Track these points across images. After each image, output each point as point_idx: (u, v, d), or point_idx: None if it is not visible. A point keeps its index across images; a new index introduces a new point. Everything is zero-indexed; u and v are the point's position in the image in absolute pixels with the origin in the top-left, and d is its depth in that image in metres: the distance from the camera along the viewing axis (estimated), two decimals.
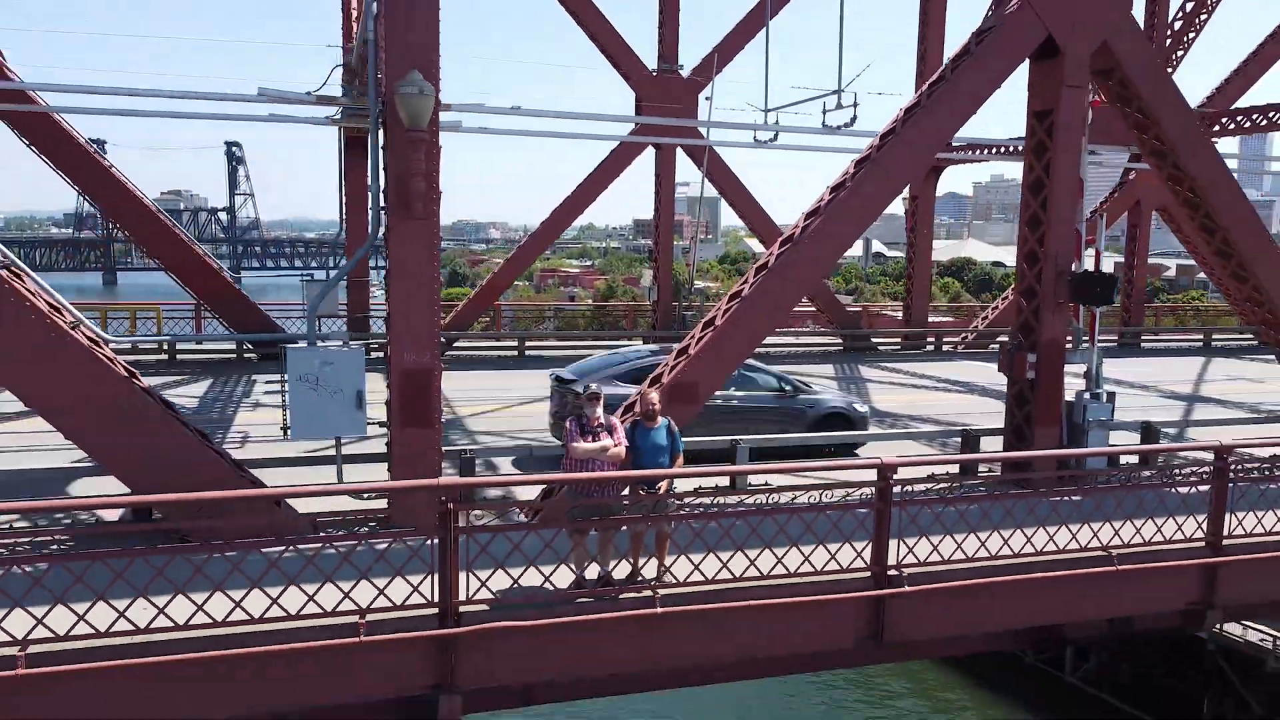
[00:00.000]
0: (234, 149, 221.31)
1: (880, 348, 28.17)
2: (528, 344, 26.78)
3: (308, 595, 7.80)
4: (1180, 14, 27.48)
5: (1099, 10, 12.16)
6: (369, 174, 10.81)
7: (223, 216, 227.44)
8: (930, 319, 29.53)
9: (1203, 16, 27.26)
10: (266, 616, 7.72)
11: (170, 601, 7.55)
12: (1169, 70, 22.41)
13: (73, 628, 7.39)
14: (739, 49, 25.57)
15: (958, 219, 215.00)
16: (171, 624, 7.57)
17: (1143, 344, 31.03)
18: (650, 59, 25.75)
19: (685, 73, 25.36)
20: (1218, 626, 17.23)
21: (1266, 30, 28.07)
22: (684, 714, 21.53)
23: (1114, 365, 27.88)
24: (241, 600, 7.62)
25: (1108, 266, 15.77)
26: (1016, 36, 12.09)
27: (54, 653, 7.40)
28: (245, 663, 7.66)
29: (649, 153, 26.38)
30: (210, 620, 7.63)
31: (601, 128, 22.77)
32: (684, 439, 9.55)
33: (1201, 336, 31.53)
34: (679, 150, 26.06)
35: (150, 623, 7.52)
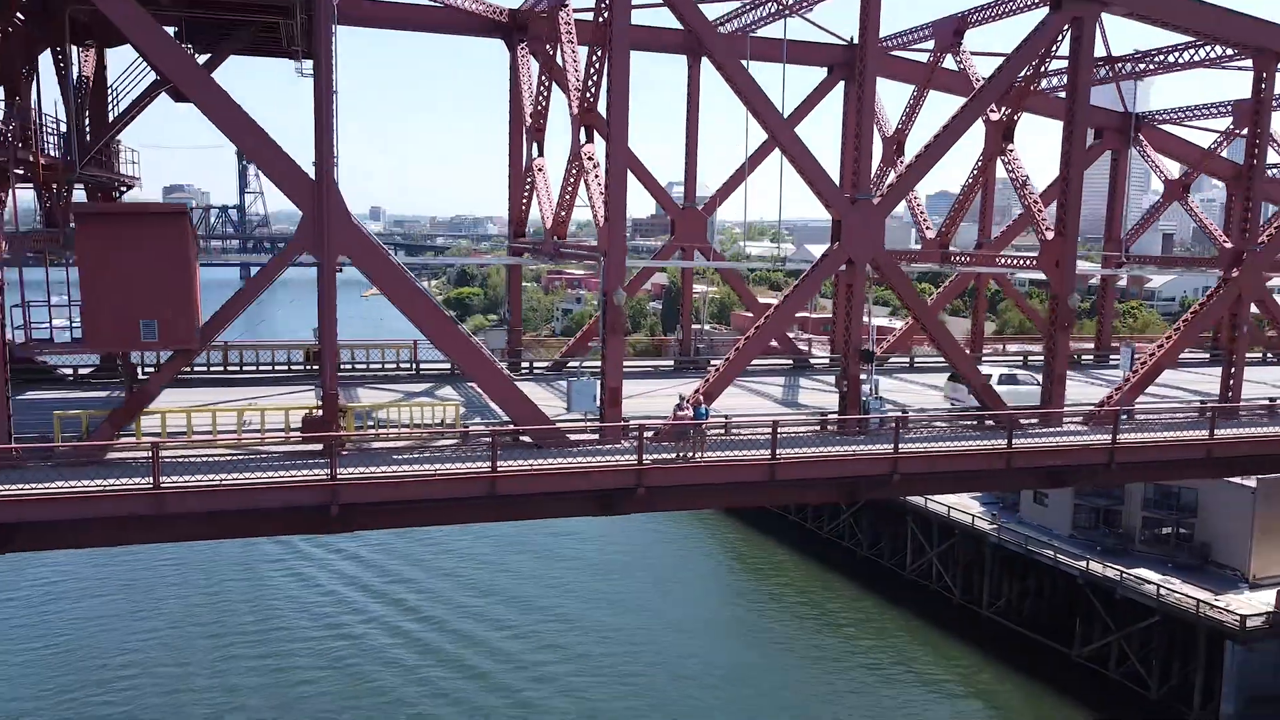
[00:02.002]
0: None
1: (815, 366, 49.18)
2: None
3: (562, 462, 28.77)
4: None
5: (870, 247, 33.05)
6: (600, 320, 31.31)
7: (233, 214, 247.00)
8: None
9: None
10: (578, 467, 28.61)
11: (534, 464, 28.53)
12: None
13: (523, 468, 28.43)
14: (732, 191, 46.46)
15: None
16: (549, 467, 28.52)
17: (983, 360, 52.17)
18: (677, 193, 46.70)
19: (699, 206, 46.25)
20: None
21: None
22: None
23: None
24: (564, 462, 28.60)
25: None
26: (836, 258, 33.04)
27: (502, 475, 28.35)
28: (583, 474, 28.57)
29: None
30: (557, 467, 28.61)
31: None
32: None
33: (1021, 357, 52.75)
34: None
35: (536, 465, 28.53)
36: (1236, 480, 63.46)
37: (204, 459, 27.10)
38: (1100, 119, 50.43)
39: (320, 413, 28.61)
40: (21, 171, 28.06)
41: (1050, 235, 35.54)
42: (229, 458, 27.70)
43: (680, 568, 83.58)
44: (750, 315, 64.90)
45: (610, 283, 30.39)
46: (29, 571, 72.70)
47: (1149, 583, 63.54)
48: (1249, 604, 61.05)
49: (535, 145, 40.42)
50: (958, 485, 38.23)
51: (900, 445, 31.35)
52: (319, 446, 28.06)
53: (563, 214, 36.65)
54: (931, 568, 79.06)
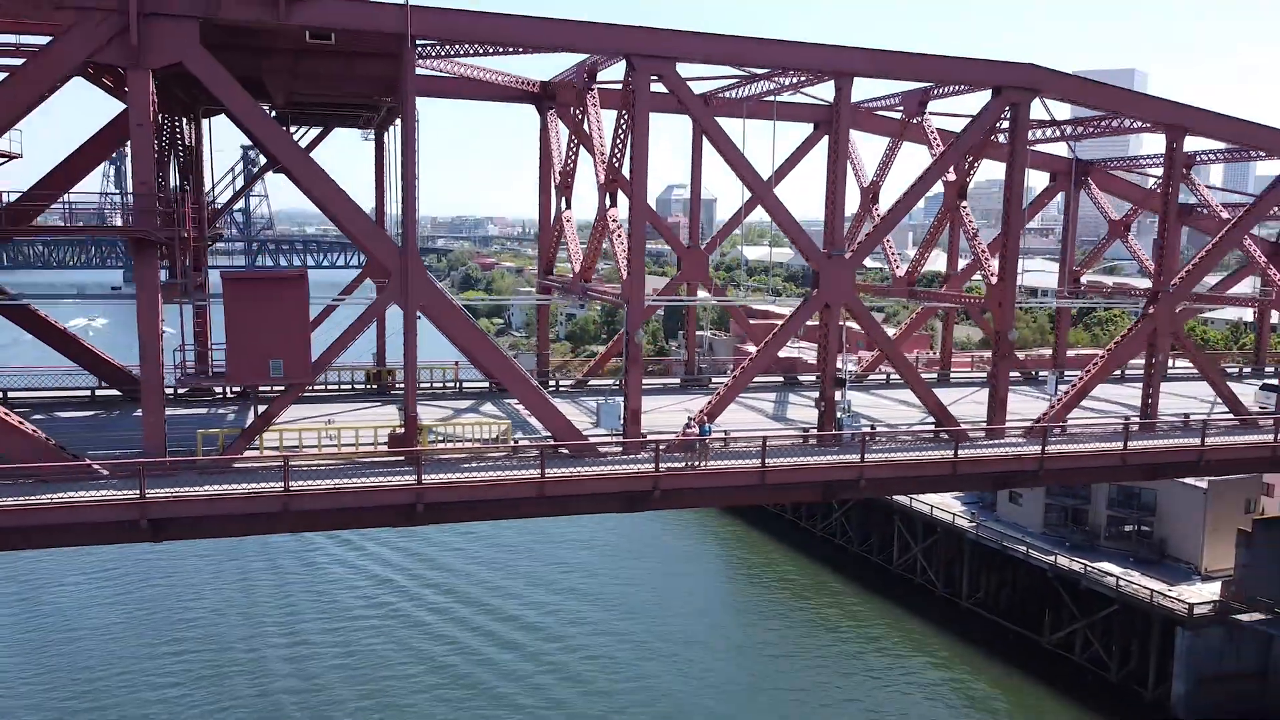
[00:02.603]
0: (249, 152, 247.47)
1: (804, 383, 57.55)
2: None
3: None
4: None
5: (843, 293, 41.40)
6: (624, 344, 39.70)
7: (238, 216, 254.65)
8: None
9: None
10: (607, 474, 37.09)
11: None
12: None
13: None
14: (730, 232, 54.83)
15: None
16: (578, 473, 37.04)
17: (951, 379, 60.58)
18: (678, 195, 55.13)
19: (703, 246, 54.67)
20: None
21: None
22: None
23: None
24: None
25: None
26: (816, 302, 41.40)
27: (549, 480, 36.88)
28: (612, 479, 37.06)
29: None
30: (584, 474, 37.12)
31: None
32: None
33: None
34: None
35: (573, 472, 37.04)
36: (1190, 481, 72.08)
37: (316, 467, 35.58)
38: (1054, 165, 58.88)
39: (402, 431, 37.07)
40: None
41: (995, 280, 43.97)
42: (334, 466, 36.19)
43: (687, 558, 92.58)
44: (750, 323, 74.43)
45: (632, 325, 38.86)
46: (81, 560, 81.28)
47: (1110, 575, 72.10)
48: (1198, 594, 69.62)
49: (564, 200, 48.89)
50: (913, 487, 46.80)
51: (866, 455, 39.80)
52: (401, 457, 36.52)
53: (588, 261, 45.04)
54: (916, 563, 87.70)
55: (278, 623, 73.34)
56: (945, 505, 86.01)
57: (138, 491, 32.12)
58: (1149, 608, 68.90)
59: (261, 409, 37.04)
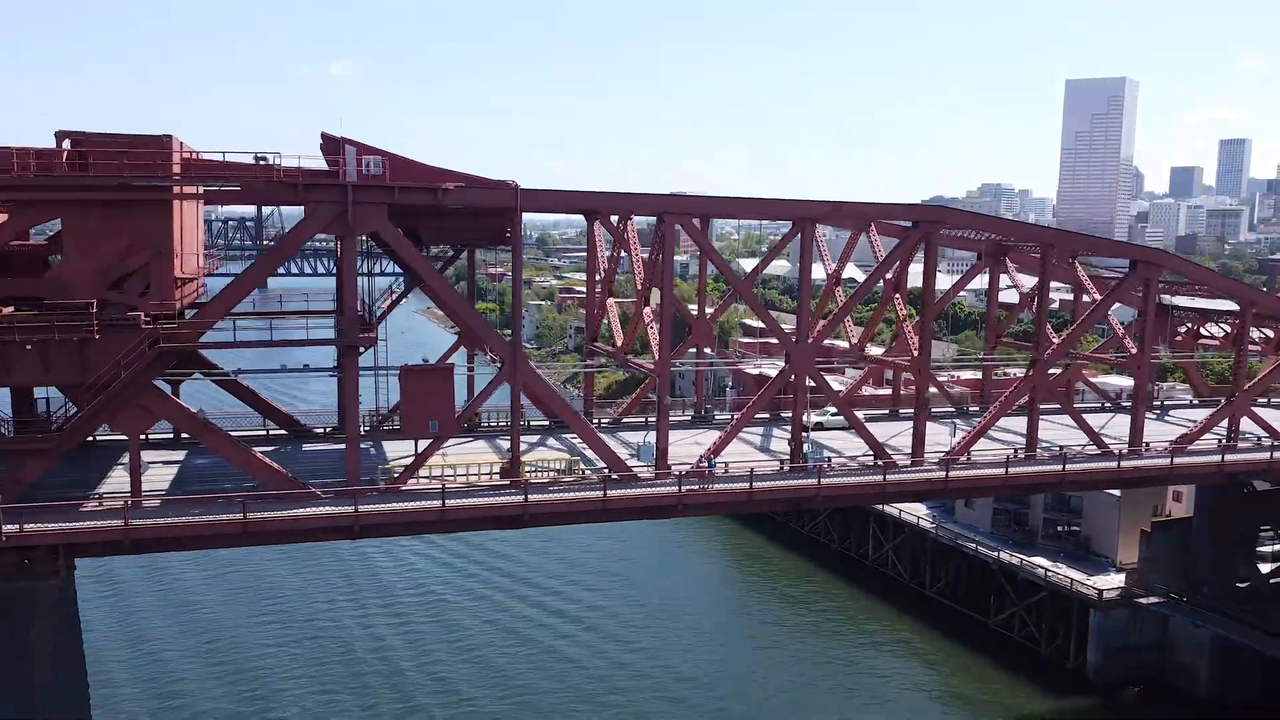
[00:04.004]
0: (262, 160, 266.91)
1: (786, 418, 79.27)
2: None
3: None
4: None
5: (808, 368, 63.27)
6: (657, 405, 61.49)
7: (249, 226, 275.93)
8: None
9: None
10: (647, 494, 59.04)
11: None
12: None
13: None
14: (726, 308, 76.60)
15: None
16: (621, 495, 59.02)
17: (899, 413, 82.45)
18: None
19: (708, 315, 76.47)
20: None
21: None
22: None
23: (880, 426, 79.26)
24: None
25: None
26: (787, 374, 63.31)
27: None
28: (649, 496, 59.03)
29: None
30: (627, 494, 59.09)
31: None
32: None
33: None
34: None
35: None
36: (1111, 491, 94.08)
37: (456, 488, 57.56)
38: (979, 246, 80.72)
39: (508, 464, 59.00)
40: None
41: (916, 354, 65.77)
42: (464, 488, 58.05)
43: (696, 552, 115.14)
44: (748, 341, 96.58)
45: (662, 392, 60.67)
46: (167, 567, 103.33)
47: (1040, 567, 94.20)
48: (1109, 582, 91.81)
49: (606, 291, 70.64)
50: (856, 502, 68.74)
51: (822, 480, 61.62)
52: (506, 481, 58.32)
53: (627, 339, 66.83)
54: (887, 558, 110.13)
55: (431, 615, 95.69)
56: (912, 509, 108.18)
57: (353, 507, 53.93)
58: (1070, 593, 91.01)
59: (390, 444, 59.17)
